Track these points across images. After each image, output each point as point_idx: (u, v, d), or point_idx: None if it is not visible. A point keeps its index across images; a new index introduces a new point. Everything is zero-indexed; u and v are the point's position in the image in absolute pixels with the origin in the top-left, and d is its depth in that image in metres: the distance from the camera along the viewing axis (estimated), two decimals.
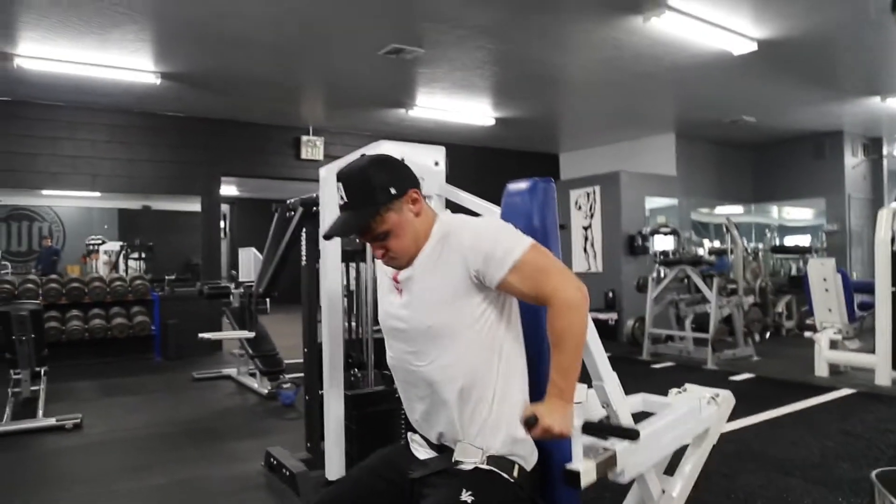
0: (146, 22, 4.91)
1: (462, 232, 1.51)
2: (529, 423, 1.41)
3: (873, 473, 0.85)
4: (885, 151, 10.04)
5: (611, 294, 8.99)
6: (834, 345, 5.98)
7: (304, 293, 3.53)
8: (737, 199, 10.56)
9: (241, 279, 6.42)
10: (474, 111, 7.89)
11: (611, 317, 8.87)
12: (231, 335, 5.03)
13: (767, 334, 8.30)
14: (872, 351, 5.61)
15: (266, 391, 5.34)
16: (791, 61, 6.07)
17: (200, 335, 5.46)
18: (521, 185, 1.81)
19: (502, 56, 5.87)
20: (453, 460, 1.51)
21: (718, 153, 10.25)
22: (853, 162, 9.67)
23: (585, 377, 1.86)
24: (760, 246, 9.41)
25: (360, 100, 7.40)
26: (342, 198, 1.51)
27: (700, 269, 7.32)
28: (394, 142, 2.30)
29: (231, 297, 6.09)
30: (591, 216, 9.42)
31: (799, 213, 10.65)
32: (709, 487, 2.96)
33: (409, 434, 1.69)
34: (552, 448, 1.59)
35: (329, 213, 2.16)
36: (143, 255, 11.01)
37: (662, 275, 7.57)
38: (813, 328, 6.21)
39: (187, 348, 7.28)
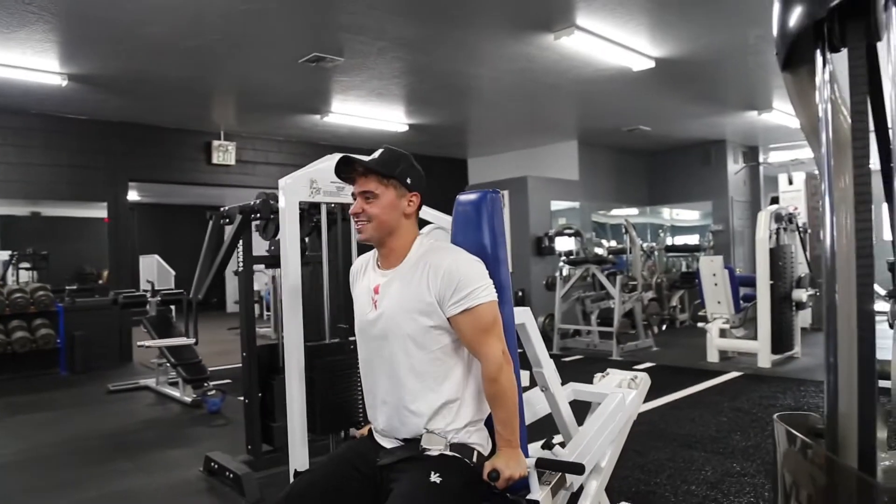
0: (57, 22, 4.75)
1: (445, 255, 1.66)
2: (492, 477, 1.58)
3: (775, 416, 1.12)
4: (760, 159, 11.10)
5: (520, 293, 9.43)
6: (723, 333, 6.63)
7: (241, 298, 3.59)
8: (633, 202, 11.31)
9: (157, 287, 6.25)
10: (389, 118, 8.07)
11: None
12: (174, 342, 4.93)
13: (664, 326, 9.02)
14: (755, 338, 6.30)
15: (190, 399, 5.27)
16: (683, 78, 6.68)
17: (139, 343, 5.29)
18: (472, 196, 2.01)
19: (419, 67, 6.09)
20: (420, 448, 1.64)
21: (617, 159, 10.95)
22: (735, 168, 10.63)
23: (526, 364, 2.11)
24: (655, 245, 10.14)
25: (274, 105, 7.40)
26: (373, 157, 1.70)
27: (603, 267, 7.87)
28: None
29: (148, 305, 5.94)
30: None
31: (688, 215, 11.56)
32: (623, 463, 3.30)
33: (373, 427, 1.80)
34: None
35: (289, 219, 2.29)
36: (36, 265, 10.35)
37: (568, 274, 8.07)
38: (705, 319, 6.84)
39: (96, 361, 7.00)
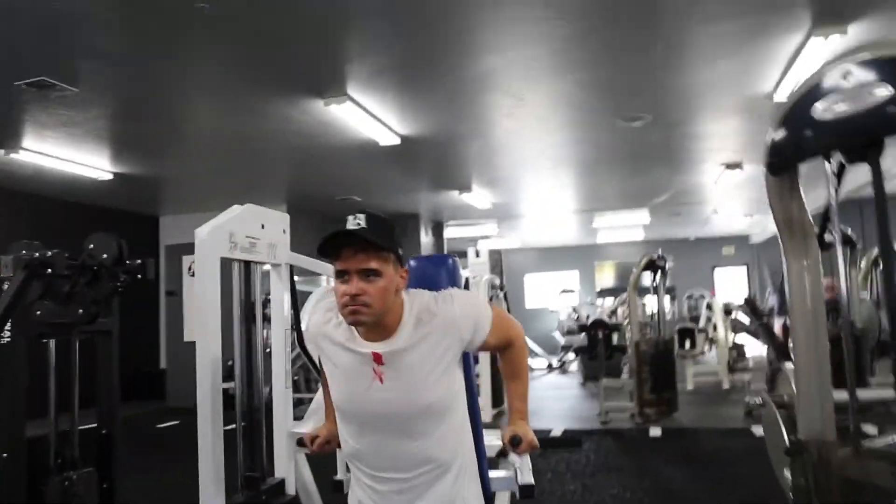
0: None
1: (448, 306, 1.59)
2: (515, 442, 1.63)
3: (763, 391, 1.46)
4: (444, 233, 12.56)
5: (231, 363, 8.79)
6: None
7: (9, 377, 2.71)
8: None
9: None
10: (91, 163, 6.97)
11: (230, 386, 8.62)
12: None
13: None
14: None
15: None
16: (413, 156, 7.29)
17: None
18: (431, 259, 2.04)
19: (135, 103, 5.49)
20: None
21: (321, 226, 11.16)
22: (426, 240, 11.80)
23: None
24: None
25: None
26: (358, 224, 1.49)
27: None
28: (255, 205, 2.17)
29: None
30: None
31: None
32: None
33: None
34: None
35: (208, 279, 1.89)
36: None
37: None
38: None
39: None
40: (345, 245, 1.49)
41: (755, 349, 10.66)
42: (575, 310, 13.12)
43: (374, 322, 1.51)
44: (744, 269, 16.47)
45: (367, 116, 5.65)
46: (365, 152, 6.87)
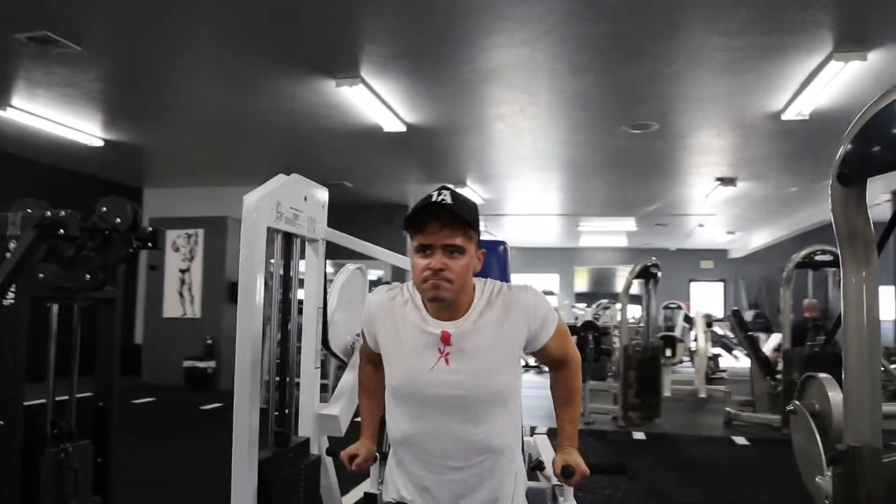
0: None
1: (521, 294, 1.56)
2: (567, 473, 1.58)
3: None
4: None
5: (210, 341, 8.65)
6: None
7: (9, 343, 2.59)
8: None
9: None
10: (82, 127, 6.76)
11: (209, 365, 8.51)
12: None
13: None
14: None
15: None
16: (416, 145, 7.20)
17: None
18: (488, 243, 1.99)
19: (131, 72, 5.35)
20: None
21: None
22: None
23: None
24: None
25: None
26: (443, 200, 1.44)
27: None
28: (300, 176, 2.10)
29: None
30: (191, 259, 8.97)
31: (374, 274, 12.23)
32: None
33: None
34: None
35: (255, 249, 1.81)
36: None
37: None
38: None
39: None
40: (430, 219, 1.43)
41: (728, 361, 10.85)
42: (557, 311, 13.17)
43: (452, 300, 1.47)
44: (720, 284, 16.71)
45: (376, 101, 5.57)
46: (367, 138, 6.78)
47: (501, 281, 1.84)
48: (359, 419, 1.77)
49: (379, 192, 10.24)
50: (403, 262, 2.48)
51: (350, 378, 2.09)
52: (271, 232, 1.88)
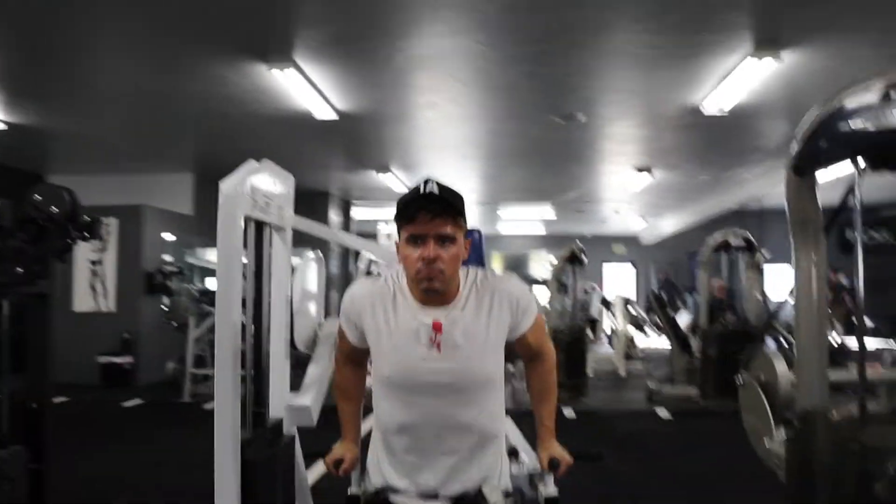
0: None
1: (506, 282, 1.62)
2: (554, 465, 1.67)
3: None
4: (351, 213, 12.37)
5: (127, 336, 8.22)
6: None
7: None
8: None
9: None
10: None
11: (127, 360, 8.10)
12: None
13: None
14: None
15: None
16: (346, 133, 7.09)
17: None
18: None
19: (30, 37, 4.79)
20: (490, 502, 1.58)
21: None
22: (335, 220, 11.56)
23: None
24: None
25: None
26: (431, 191, 1.47)
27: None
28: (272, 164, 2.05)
29: None
30: (104, 250, 8.48)
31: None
32: None
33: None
34: None
35: (232, 239, 1.75)
36: None
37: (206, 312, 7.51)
38: None
39: None
40: (421, 210, 1.45)
41: (642, 340, 11.42)
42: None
43: (445, 290, 1.50)
44: (629, 265, 17.52)
45: (308, 87, 5.45)
46: (295, 125, 6.62)
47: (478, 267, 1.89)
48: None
49: (301, 180, 9.89)
50: (373, 248, 2.47)
51: (317, 369, 2.08)
52: (246, 220, 1.83)
